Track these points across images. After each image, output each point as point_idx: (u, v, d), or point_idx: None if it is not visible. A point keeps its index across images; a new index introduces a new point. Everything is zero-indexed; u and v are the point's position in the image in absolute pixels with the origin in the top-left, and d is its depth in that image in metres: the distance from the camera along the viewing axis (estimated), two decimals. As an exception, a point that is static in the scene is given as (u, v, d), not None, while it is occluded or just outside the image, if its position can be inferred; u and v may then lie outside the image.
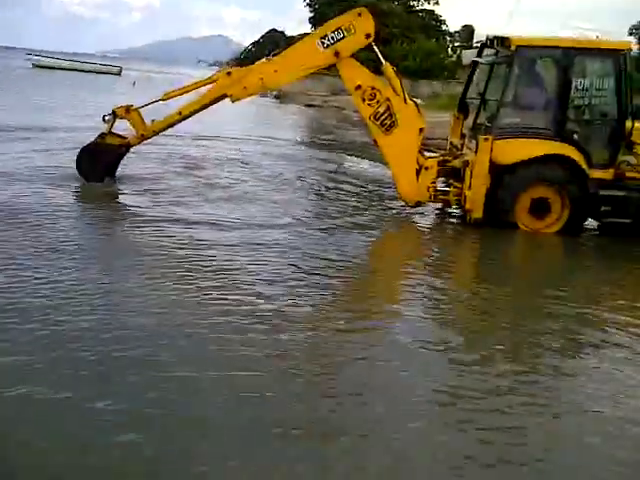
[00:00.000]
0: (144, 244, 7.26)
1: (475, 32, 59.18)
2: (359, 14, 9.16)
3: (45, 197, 8.83)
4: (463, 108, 10.97)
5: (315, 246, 7.80)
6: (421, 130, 9.52)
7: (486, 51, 10.44)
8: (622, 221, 9.42)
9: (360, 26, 9.13)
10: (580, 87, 9.31)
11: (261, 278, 6.34)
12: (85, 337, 4.71)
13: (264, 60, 9.57)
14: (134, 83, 44.48)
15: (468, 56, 14.30)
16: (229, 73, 9.40)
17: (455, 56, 52.26)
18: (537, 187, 9.22)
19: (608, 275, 8.04)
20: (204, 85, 9.61)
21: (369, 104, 9.37)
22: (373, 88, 9.33)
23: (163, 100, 9.53)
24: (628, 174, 9.35)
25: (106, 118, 9.67)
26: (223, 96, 9.45)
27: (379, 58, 9.38)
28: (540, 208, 9.31)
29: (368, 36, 9.16)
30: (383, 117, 9.37)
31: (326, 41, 9.15)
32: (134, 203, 9.09)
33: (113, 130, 9.78)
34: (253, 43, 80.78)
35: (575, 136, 9.30)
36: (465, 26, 62.26)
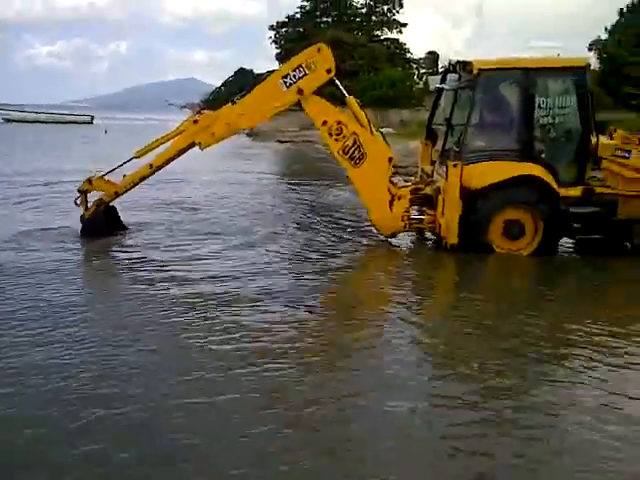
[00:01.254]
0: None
1: (440, 58, 60.48)
2: (318, 50, 9.22)
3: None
4: (431, 134, 11.07)
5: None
6: (390, 160, 9.57)
7: (449, 76, 10.57)
8: (594, 237, 9.52)
9: (320, 62, 9.19)
10: (544, 106, 9.40)
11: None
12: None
13: (229, 105, 9.50)
14: (105, 131, 44.70)
15: (435, 82, 14.56)
16: (196, 121, 9.34)
17: (422, 83, 53.08)
18: (509, 209, 9.25)
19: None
20: (174, 136, 9.49)
21: (336, 139, 9.43)
22: (339, 122, 9.39)
23: (136, 158, 9.44)
24: (597, 190, 9.41)
25: (77, 202, 9.59)
26: (192, 144, 9.40)
27: (342, 92, 9.46)
28: (513, 230, 9.34)
29: (329, 71, 9.24)
30: (351, 151, 9.43)
31: (288, 80, 9.19)
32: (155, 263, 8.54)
33: (89, 203, 9.64)
34: (222, 83, 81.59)
35: (542, 155, 9.42)
36: (430, 52, 63.58)
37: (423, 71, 61.06)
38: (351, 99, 9.56)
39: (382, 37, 65.50)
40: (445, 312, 7.24)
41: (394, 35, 65.82)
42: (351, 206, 12.99)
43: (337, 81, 9.39)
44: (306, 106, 9.46)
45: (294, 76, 9.18)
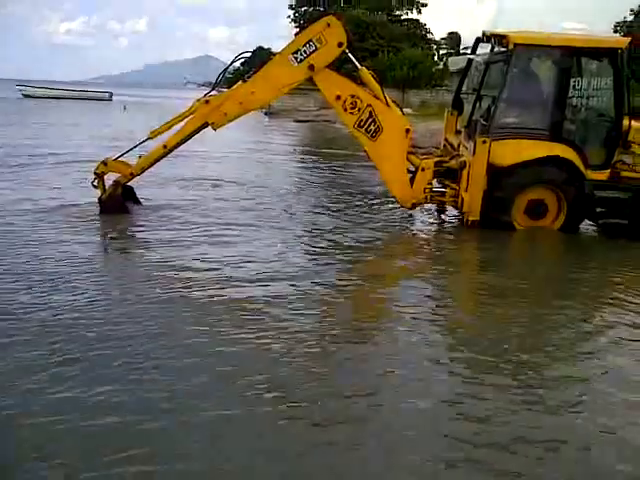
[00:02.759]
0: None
1: (461, 38, 59.84)
2: (328, 24, 8.91)
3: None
4: (457, 104, 10.92)
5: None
6: (407, 131, 9.39)
7: (481, 47, 10.38)
8: (618, 222, 9.39)
9: (331, 36, 8.90)
10: (578, 86, 9.28)
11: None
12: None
13: (240, 83, 9.33)
14: (124, 108, 44.68)
15: (455, 63, 14.34)
16: (207, 101, 9.20)
17: (442, 64, 52.54)
18: (534, 189, 9.20)
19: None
20: (186, 117, 9.36)
21: (351, 113, 9.24)
22: (353, 96, 9.20)
23: (150, 139, 9.38)
24: (624, 174, 9.30)
25: (95, 184, 9.55)
26: (205, 124, 9.29)
27: (355, 64, 9.26)
28: (537, 210, 9.30)
29: (340, 45, 8.93)
30: (367, 124, 9.25)
31: (298, 56, 8.97)
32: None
33: (106, 182, 9.60)
34: (241, 62, 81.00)
35: (572, 136, 9.28)
36: (451, 33, 62.89)
37: (443, 52, 60.43)
38: (364, 70, 9.36)
39: (402, 17, 64.81)
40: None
41: (414, 16, 65.17)
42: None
43: (350, 54, 9.13)
44: (318, 81, 9.23)
45: (304, 51, 8.95)
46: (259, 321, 5.65)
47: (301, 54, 8.97)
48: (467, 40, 56.72)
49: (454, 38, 60.89)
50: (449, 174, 9.87)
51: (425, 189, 9.65)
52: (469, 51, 10.88)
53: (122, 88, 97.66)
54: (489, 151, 9.03)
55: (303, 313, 5.95)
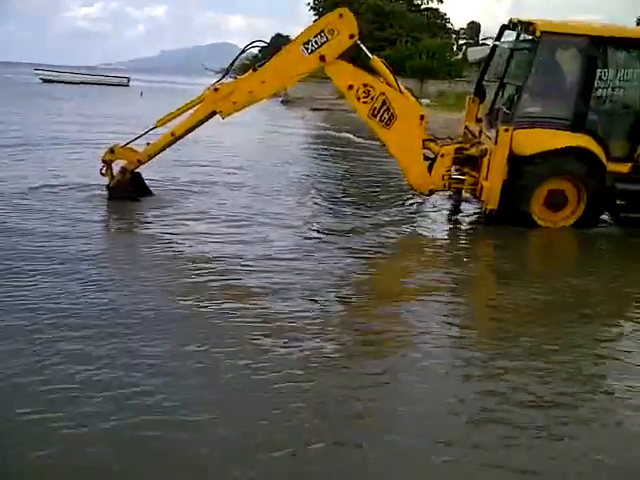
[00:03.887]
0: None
1: (481, 29, 59.27)
2: (340, 15, 8.89)
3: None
4: (479, 91, 10.81)
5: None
6: (422, 117, 9.31)
7: (506, 34, 10.22)
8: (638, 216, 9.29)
9: (343, 27, 8.87)
10: (604, 77, 9.14)
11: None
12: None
13: (250, 72, 9.31)
14: (141, 93, 44.75)
15: (474, 53, 14.19)
16: (216, 89, 9.12)
17: (461, 54, 52.06)
18: (554, 179, 9.10)
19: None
20: (195, 105, 9.31)
21: (364, 102, 9.15)
22: (365, 85, 9.10)
23: (158, 127, 9.34)
24: None
25: (103, 171, 9.54)
26: (213, 113, 9.23)
27: (366, 54, 9.21)
28: (556, 201, 9.19)
29: (352, 36, 8.90)
30: (381, 112, 9.14)
31: (309, 46, 8.90)
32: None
33: (114, 171, 9.60)
34: (260, 49, 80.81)
35: (595, 128, 9.15)
36: (471, 23, 62.25)
37: (463, 42, 59.85)
38: (376, 59, 9.31)
39: (422, 6, 64.23)
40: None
41: (435, 5, 64.55)
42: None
43: (361, 45, 9.10)
44: (330, 72, 9.19)
45: (316, 42, 8.89)
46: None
47: (312, 45, 8.91)
48: (487, 31, 56.26)
49: (474, 28, 60.25)
50: (469, 162, 9.75)
51: (444, 176, 9.53)
52: (489, 42, 10.78)
53: (140, 73, 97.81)
54: (511, 140, 8.92)
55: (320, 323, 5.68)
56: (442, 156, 9.47)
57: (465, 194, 10.33)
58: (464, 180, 9.73)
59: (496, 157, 9.02)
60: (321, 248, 7.88)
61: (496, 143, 9.01)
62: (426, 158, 9.53)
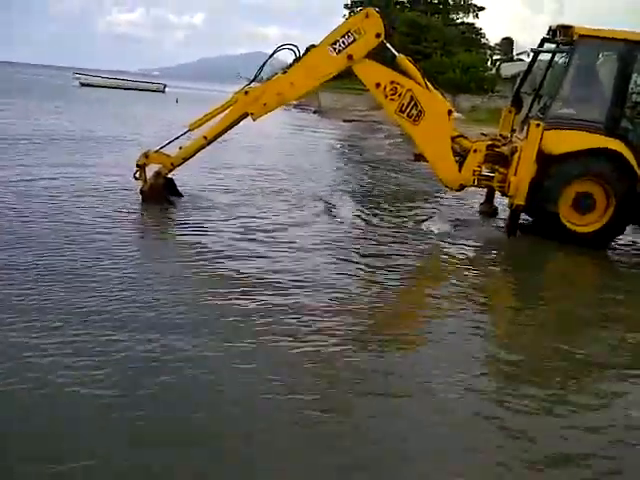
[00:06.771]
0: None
1: (515, 44, 58.98)
2: (366, 15, 9.08)
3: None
4: (516, 101, 10.86)
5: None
6: (449, 112, 9.41)
7: (546, 45, 10.31)
8: None
9: (369, 27, 9.04)
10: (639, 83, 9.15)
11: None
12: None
13: (280, 74, 9.56)
14: (177, 100, 45.38)
15: (507, 68, 14.29)
16: (247, 92, 9.29)
17: (495, 69, 51.90)
18: (584, 181, 9.11)
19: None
20: (226, 108, 9.46)
21: (392, 99, 9.28)
22: (393, 82, 9.23)
23: (190, 130, 9.52)
24: None
25: (136, 175, 9.64)
26: (244, 115, 9.42)
27: (393, 52, 9.35)
28: (584, 203, 9.20)
29: (378, 35, 9.05)
30: (408, 109, 9.26)
31: (337, 46, 9.07)
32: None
33: (148, 174, 9.68)
34: (295, 59, 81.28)
35: (627, 133, 9.14)
36: (505, 38, 61.94)
37: (497, 57, 59.64)
38: (402, 57, 9.42)
39: (458, 21, 64.24)
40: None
41: (470, 19, 64.54)
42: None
43: (388, 44, 9.26)
44: (357, 71, 9.33)
45: (343, 42, 9.07)
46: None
47: (340, 45, 9.09)
48: (521, 47, 55.98)
49: (508, 44, 60.03)
50: (499, 160, 9.81)
51: (475, 171, 9.63)
52: (523, 57, 10.87)
53: (176, 80, 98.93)
54: (542, 136, 8.94)
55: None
56: (475, 151, 9.55)
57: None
58: (493, 177, 9.81)
59: (525, 152, 9.06)
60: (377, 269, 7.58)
61: (526, 138, 9.07)
62: (455, 154, 9.62)
